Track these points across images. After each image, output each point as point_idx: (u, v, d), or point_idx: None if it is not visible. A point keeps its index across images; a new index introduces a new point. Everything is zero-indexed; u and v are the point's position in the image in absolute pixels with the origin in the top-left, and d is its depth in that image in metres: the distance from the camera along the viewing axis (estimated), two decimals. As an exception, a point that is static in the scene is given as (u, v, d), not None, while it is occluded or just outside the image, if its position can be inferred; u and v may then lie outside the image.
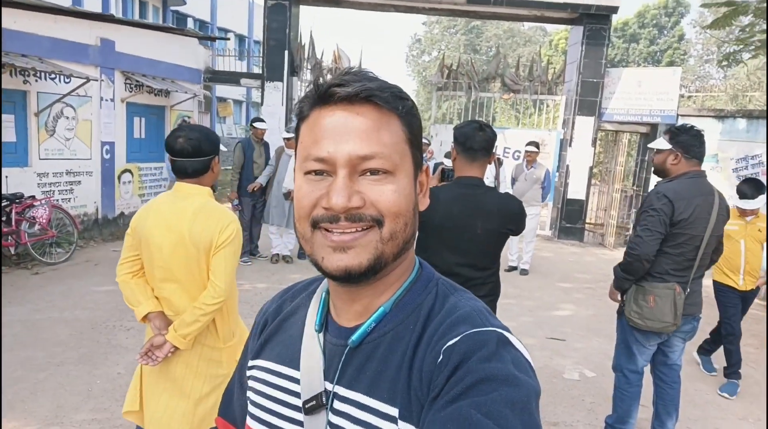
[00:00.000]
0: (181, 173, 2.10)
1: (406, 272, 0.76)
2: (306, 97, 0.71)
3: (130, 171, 8.67)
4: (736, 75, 19.22)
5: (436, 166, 7.65)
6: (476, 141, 2.39)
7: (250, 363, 0.86)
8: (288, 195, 6.74)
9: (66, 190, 7.49)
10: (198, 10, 20.80)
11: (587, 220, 10.49)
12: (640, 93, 9.59)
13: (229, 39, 13.88)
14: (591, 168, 9.82)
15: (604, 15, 9.51)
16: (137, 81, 8.26)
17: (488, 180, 7.62)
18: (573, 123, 9.69)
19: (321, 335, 0.77)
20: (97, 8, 14.00)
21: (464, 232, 2.33)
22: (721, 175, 8.50)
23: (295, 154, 0.73)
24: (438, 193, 2.39)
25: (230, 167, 7.00)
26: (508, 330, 0.68)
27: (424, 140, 7.79)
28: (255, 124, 6.96)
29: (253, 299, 5.53)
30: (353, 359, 0.72)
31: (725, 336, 4.15)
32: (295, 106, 0.74)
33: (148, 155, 9.08)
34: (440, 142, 9.91)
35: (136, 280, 2.18)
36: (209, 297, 2.03)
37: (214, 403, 2.16)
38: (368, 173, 0.67)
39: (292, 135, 6.84)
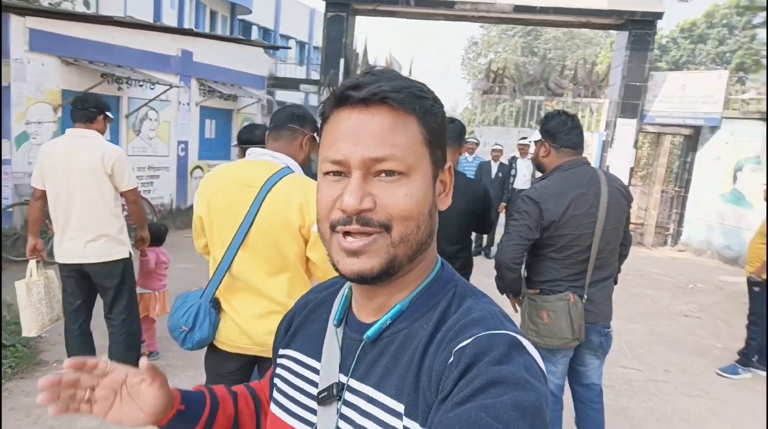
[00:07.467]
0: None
1: (425, 272, 0.77)
2: (327, 99, 0.73)
3: (200, 167, 9.73)
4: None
5: (480, 164, 8.25)
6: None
7: (281, 351, 0.90)
8: None
9: (147, 183, 8.58)
10: (262, 19, 22.01)
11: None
12: (684, 96, 9.76)
13: (290, 48, 14.92)
14: (632, 169, 10.07)
15: (649, 21, 9.75)
16: (210, 87, 9.29)
17: (525, 178, 8.15)
18: (614, 125, 9.98)
19: (341, 329, 0.81)
20: (173, 18, 15.39)
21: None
22: (763, 176, 8.59)
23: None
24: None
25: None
26: (523, 334, 0.68)
27: (473, 140, 8.34)
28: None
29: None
30: (368, 354, 0.75)
31: None
32: (318, 108, 0.78)
33: (217, 153, 10.10)
34: (484, 142, 10.44)
35: None
36: None
37: None
38: (382, 174, 0.68)
39: None
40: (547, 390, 0.62)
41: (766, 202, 4.38)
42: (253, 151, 2.02)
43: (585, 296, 2.50)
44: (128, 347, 3.37)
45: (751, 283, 4.38)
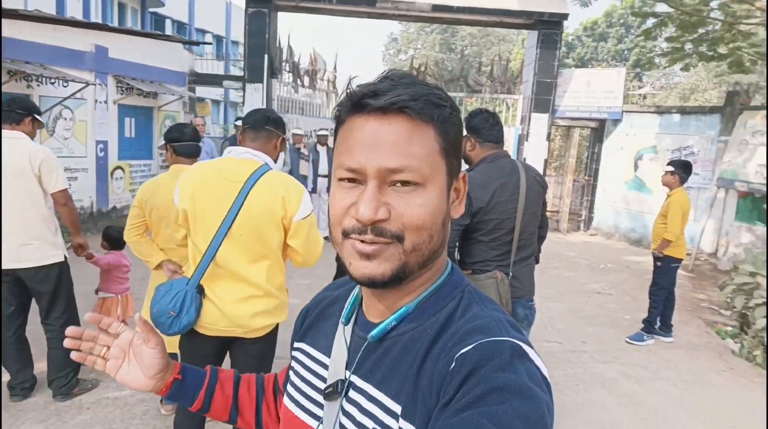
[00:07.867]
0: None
1: (434, 276, 0.77)
2: (343, 103, 0.72)
3: (121, 168, 9.35)
4: (698, 72, 20.33)
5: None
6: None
7: (295, 345, 0.92)
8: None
9: (64, 185, 8.16)
10: (176, 12, 21.20)
11: (545, 208, 11.48)
12: (590, 92, 10.56)
13: (211, 43, 14.60)
14: (546, 160, 10.76)
15: (556, 21, 10.44)
16: (128, 84, 8.94)
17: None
18: (529, 120, 10.62)
19: (350, 327, 0.82)
20: (78, 11, 14.53)
21: None
22: (658, 164, 9.50)
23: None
24: None
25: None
26: (527, 342, 0.67)
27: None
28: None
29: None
30: (372, 353, 0.76)
31: None
32: (333, 110, 0.76)
33: (138, 153, 9.75)
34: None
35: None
36: None
37: None
38: (398, 184, 0.68)
39: (300, 131, 8.16)
40: (549, 398, 0.62)
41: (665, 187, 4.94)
42: (233, 149, 2.18)
43: (510, 273, 2.77)
44: (69, 352, 3.29)
45: (654, 258, 4.94)
